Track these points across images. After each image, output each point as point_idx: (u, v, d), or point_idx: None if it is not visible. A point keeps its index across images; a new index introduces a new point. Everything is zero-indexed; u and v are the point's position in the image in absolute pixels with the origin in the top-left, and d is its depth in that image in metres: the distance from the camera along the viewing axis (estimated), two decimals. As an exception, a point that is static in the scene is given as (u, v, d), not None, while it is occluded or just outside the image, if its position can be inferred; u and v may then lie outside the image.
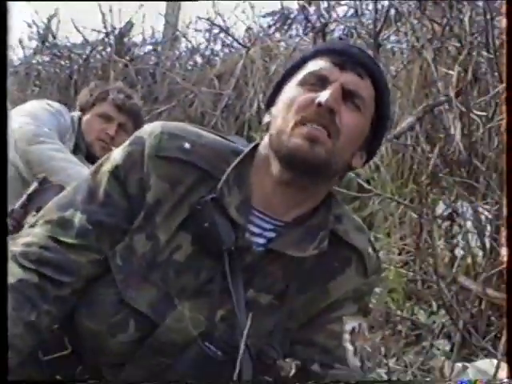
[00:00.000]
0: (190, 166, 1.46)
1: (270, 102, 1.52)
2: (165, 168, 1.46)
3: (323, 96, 1.41)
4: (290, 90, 1.48)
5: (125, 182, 1.47)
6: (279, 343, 1.52)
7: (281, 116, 1.46)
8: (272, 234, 1.50)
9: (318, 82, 1.44)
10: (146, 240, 1.46)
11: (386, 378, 1.93)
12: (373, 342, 1.88)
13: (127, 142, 1.51)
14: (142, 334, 1.47)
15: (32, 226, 1.49)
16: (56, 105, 2.85)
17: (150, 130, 1.48)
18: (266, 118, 1.52)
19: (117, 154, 1.50)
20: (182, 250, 1.47)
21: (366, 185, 2.89)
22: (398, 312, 2.48)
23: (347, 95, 1.45)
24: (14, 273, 1.40)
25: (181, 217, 1.48)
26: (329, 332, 1.53)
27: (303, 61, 1.51)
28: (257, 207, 1.50)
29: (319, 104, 1.40)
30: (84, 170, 2.50)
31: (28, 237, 1.46)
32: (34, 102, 2.86)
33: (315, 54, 1.50)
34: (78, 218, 1.44)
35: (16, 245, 1.44)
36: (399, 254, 2.86)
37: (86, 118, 2.81)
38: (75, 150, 2.75)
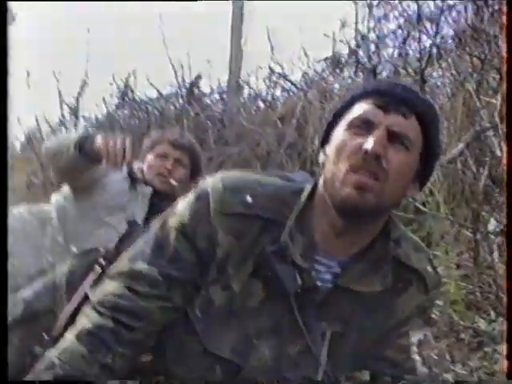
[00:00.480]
0: (253, 218, 1.49)
1: (324, 141, 1.52)
2: (230, 223, 1.49)
3: (369, 143, 1.40)
4: (340, 133, 1.47)
5: (193, 238, 1.50)
6: (352, 366, 1.57)
7: (332, 161, 1.45)
8: (337, 270, 1.53)
9: (364, 125, 1.44)
10: (221, 291, 1.51)
11: (452, 381, 1.97)
12: (439, 349, 1.91)
13: (192, 197, 1.53)
14: (229, 377, 1.53)
15: (109, 277, 1.54)
16: None
17: (214, 185, 1.50)
18: (321, 158, 1.51)
19: (183, 209, 1.54)
20: (254, 297, 1.51)
21: (422, 207, 3.00)
22: (461, 322, 2.49)
23: (393, 137, 1.44)
24: (92, 318, 1.48)
25: (250, 267, 1.51)
26: (398, 347, 1.57)
27: (351, 101, 1.51)
28: (320, 247, 1.53)
29: (365, 152, 1.40)
30: None
31: (105, 287, 1.52)
32: None
33: (361, 96, 1.49)
34: (148, 270, 1.50)
35: (94, 295, 1.52)
36: (457, 269, 2.89)
37: (147, 159, 2.92)
38: (131, 186, 2.86)
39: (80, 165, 2.59)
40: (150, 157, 2.91)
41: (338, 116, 1.49)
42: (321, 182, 1.48)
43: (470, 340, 2.44)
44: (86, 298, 1.59)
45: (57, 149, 2.69)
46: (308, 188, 1.50)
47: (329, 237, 1.50)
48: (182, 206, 1.52)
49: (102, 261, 1.73)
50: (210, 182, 1.50)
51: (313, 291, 1.50)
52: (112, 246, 1.86)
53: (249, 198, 1.49)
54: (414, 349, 1.58)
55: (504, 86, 2.34)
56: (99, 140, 2.50)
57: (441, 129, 1.61)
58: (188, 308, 1.50)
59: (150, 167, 2.89)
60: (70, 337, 1.47)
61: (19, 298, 1.82)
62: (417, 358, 1.57)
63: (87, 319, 1.48)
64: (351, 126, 1.45)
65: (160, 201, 2.81)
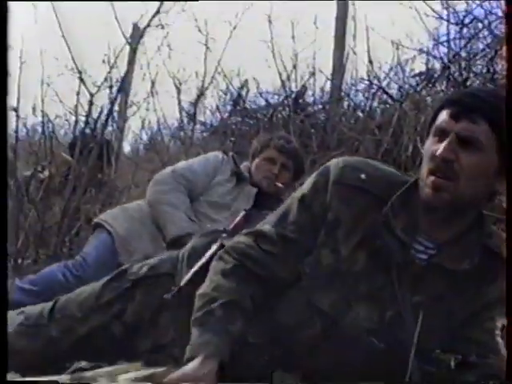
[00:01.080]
0: (364, 191, 1.67)
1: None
2: (344, 192, 1.67)
3: (440, 150, 1.55)
4: (427, 141, 1.64)
5: (310, 204, 1.70)
6: (440, 340, 1.64)
7: (423, 163, 1.63)
8: (433, 252, 1.66)
9: (441, 133, 1.58)
10: (329, 253, 1.67)
11: None
12: None
13: (315, 174, 1.73)
14: (326, 330, 1.64)
15: (242, 234, 1.75)
16: (216, 154, 3.30)
17: (336, 163, 1.72)
18: None
19: (306, 184, 1.73)
20: (358, 263, 1.65)
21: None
22: None
23: (464, 142, 1.56)
24: (227, 260, 1.67)
25: (358, 236, 1.66)
26: (484, 329, 1.65)
27: (436, 112, 1.64)
28: (421, 228, 1.67)
29: (437, 157, 1.55)
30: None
31: (237, 238, 1.73)
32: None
33: (441, 106, 1.63)
34: (270, 231, 1.70)
35: (228, 244, 1.74)
36: None
37: (255, 162, 3.20)
38: (236, 185, 3.15)
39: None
40: (258, 160, 3.20)
41: (430, 123, 1.66)
42: None
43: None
44: (206, 264, 1.77)
45: (158, 213, 3.04)
46: (412, 179, 1.69)
47: (427, 222, 1.66)
48: (307, 181, 1.74)
49: (223, 235, 1.93)
50: (335, 161, 1.72)
51: (411, 266, 1.64)
52: (230, 227, 2.13)
53: (363, 175, 1.67)
54: (498, 332, 1.65)
55: None
56: None
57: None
58: (299, 265, 1.67)
59: (258, 169, 3.18)
60: (214, 278, 1.66)
61: (145, 263, 2.01)
62: (500, 340, 1.64)
63: (223, 262, 1.68)
64: (433, 134, 1.61)
65: (264, 200, 3.08)
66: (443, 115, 1.59)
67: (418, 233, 1.65)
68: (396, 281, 1.61)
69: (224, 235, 1.93)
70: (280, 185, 3.14)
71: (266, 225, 1.74)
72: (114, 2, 4.56)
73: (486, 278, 1.66)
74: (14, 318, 1.99)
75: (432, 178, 1.56)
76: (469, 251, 1.64)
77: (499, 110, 1.55)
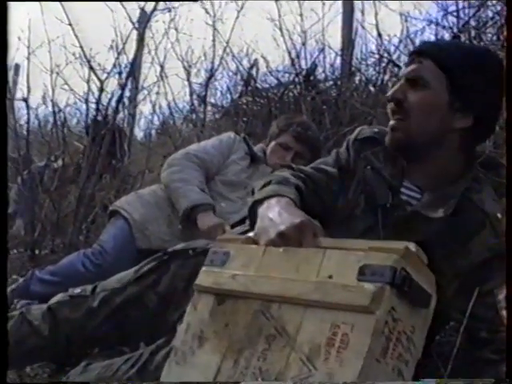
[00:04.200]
0: (376, 141, 1.85)
1: None
2: (360, 146, 1.88)
3: (389, 92, 1.74)
4: None
5: (337, 159, 1.91)
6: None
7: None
8: (419, 196, 1.76)
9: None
10: (343, 200, 1.84)
11: None
12: None
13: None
14: None
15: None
16: (229, 134, 3.35)
17: (360, 127, 1.96)
18: None
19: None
20: (359, 207, 1.80)
21: None
22: None
23: (412, 82, 1.70)
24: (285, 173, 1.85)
25: (357, 180, 1.83)
26: (485, 305, 1.64)
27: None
28: (408, 179, 1.78)
29: (388, 100, 1.74)
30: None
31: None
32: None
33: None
34: (308, 169, 1.90)
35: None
36: None
37: (271, 145, 3.22)
38: (251, 164, 3.19)
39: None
40: (273, 143, 3.21)
41: None
42: None
43: None
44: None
45: (172, 192, 3.07)
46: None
47: (411, 169, 1.78)
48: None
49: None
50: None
51: (397, 209, 1.74)
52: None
53: (376, 129, 1.89)
54: (502, 304, 1.65)
55: None
56: (204, 223, 2.87)
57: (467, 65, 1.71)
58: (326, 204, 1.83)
59: (272, 154, 3.19)
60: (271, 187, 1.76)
61: (181, 244, 2.10)
62: (504, 313, 1.64)
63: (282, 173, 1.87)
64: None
65: None
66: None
67: (404, 179, 1.77)
68: (380, 222, 1.70)
69: None
70: None
71: (310, 166, 1.95)
72: (120, -11, 4.53)
73: (466, 231, 1.68)
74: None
75: (391, 121, 1.71)
76: (447, 200, 1.69)
77: (448, 51, 1.69)
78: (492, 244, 1.68)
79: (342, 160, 1.89)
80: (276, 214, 1.55)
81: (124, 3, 4.62)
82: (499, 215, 1.68)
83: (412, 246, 1.36)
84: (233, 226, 2.90)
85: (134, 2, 4.95)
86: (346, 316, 1.31)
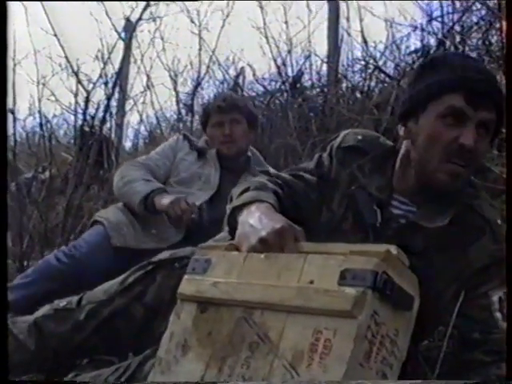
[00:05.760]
0: (360, 151, 1.81)
1: (405, 118, 1.73)
2: (343, 154, 1.83)
3: (466, 139, 1.59)
4: (431, 121, 1.65)
5: (318, 164, 1.88)
6: (434, 310, 1.61)
7: (423, 146, 1.65)
8: (413, 208, 1.74)
9: (456, 118, 1.61)
10: (326, 211, 1.81)
11: None
12: None
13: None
14: None
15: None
16: (173, 137, 3.31)
17: (343, 132, 1.91)
18: (402, 132, 1.74)
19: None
20: (348, 222, 1.77)
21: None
22: None
23: (480, 128, 1.62)
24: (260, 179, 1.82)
25: (342, 194, 1.79)
26: (479, 306, 1.65)
27: (439, 91, 1.64)
28: (397, 193, 1.75)
29: (462, 145, 1.59)
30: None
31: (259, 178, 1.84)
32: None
33: (451, 88, 1.63)
34: (286, 175, 1.88)
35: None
36: None
37: (208, 133, 3.19)
38: (199, 156, 3.14)
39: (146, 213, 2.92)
40: (209, 129, 3.18)
41: (425, 99, 1.66)
42: (403, 151, 1.75)
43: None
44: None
45: (124, 198, 3.04)
46: (386, 148, 1.82)
47: (407, 187, 1.74)
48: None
49: None
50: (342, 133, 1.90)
51: (390, 225, 1.71)
52: None
53: (360, 137, 1.84)
54: (496, 306, 1.65)
55: None
56: (162, 203, 2.82)
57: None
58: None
59: (213, 139, 3.17)
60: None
61: (167, 251, 2.06)
62: (498, 315, 1.64)
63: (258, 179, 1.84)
64: (442, 116, 1.62)
65: (232, 163, 3.12)
66: (457, 99, 1.61)
67: (395, 196, 1.74)
68: (372, 239, 1.67)
69: None
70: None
71: (287, 173, 1.91)
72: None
73: (466, 237, 1.67)
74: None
75: (449, 165, 1.61)
76: (445, 209, 1.67)
77: (502, 94, 1.64)
78: (492, 250, 1.67)
79: (324, 168, 1.86)
80: (256, 220, 1.54)
81: (109, 13, 4.61)
82: (499, 221, 1.69)
83: (393, 249, 1.35)
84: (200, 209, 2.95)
85: (120, 12, 4.94)
86: (329, 321, 1.30)
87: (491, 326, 1.63)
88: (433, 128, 1.63)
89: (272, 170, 2.01)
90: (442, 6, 4.66)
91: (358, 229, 1.73)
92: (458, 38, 4.37)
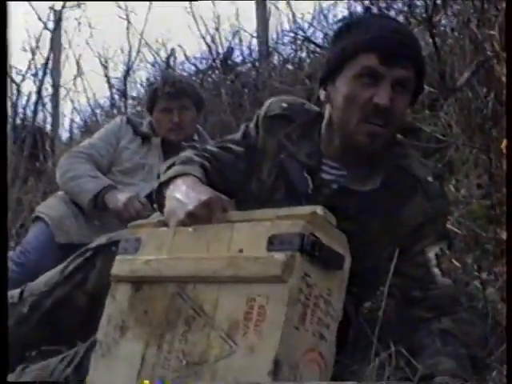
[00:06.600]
0: (287, 118, 1.80)
1: (324, 81, 1.73)
2: (269, 124, 1.82)
3: (380, 98, 1.58)
4: (346, 82, 1.65)
5: (245, 135, 1.87)
6: (372, 273, 1.67)
7: (341, 108, 1.64)
8: (344, 172, 1.74)
9: (371, 77, 1.62)
10: (256, 182, 1.81)
11: (481, 287, 1.99)
12: (463, 261, 2.22)
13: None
14: None
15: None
16: (115, 119, 3.24)
17: (268, 101, 1.89)
18: (323, 96, 1.74)
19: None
20: (280, 192, 1.77)
21: (442, 137, 3.06)
22: (483, 234, 2.49)
23: (396, 86, 1.62)
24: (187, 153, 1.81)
25: (277, 166, 1.78)
26: (416, 264, 1.67)
27: (355, 51, 1.64)
28: (327, 158, 1.75)
29: (377, 105, 1.59)
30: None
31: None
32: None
33: (365, 48, 1.62)
34: (213, 148, 1.87)
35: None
36: (478, 189, 2.92)
37: (154, 116, 3.12)
38: (143, 143, 3.10)
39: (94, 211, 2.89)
40: (156, 114, 3.12)
41: (340, 61, 1.66)
42: (326, 115, 1.74)
43: (493, 250, 2.40)
44: None
45: (71, 194, 2.99)
46: (315, 110, 1.82)
47: (334, 152, 1.75)
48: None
49: None
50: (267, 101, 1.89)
51: (322, 191, 1.72)
52: None
53: (285, 104, 1.82)
54: (433, 262, 1.68)
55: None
56: (115, 204, 2.78)
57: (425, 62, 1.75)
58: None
59: (160, 124, 3.10)
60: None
61: (104, 235, 2.01)
62: (436, 271, 1.67)
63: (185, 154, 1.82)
64: (358, 76, 1.62)
65: (174, 148, 2.95)
66: (371, 58, 1.61)
67: (324, 161, 1.73)
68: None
69: None
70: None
71: (215, 145, 1.89)
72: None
73: (399, 197, 1.68)
74: None
75: (367, 125, 1.61)
76: (374, 171, 1.68)
77: (419, 51, 1.68)
78: (425, 208, 1.69)
79: (251, 138, 1.85)
80: (183, 194, 1.54)
81: (33, 4, 4.51)
82: (430, 179, 1.70)
83: (319, 210, 1.35)
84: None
85: (44, 2, 4.84)
86: (261, 288, 1.30)
87: (429, 282, 1.65)
88: (348, 89, 1.63)
89: (198, 145, 1.96)
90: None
91: (290, 198, 1.71)
92: (383, 4, 4.39)
